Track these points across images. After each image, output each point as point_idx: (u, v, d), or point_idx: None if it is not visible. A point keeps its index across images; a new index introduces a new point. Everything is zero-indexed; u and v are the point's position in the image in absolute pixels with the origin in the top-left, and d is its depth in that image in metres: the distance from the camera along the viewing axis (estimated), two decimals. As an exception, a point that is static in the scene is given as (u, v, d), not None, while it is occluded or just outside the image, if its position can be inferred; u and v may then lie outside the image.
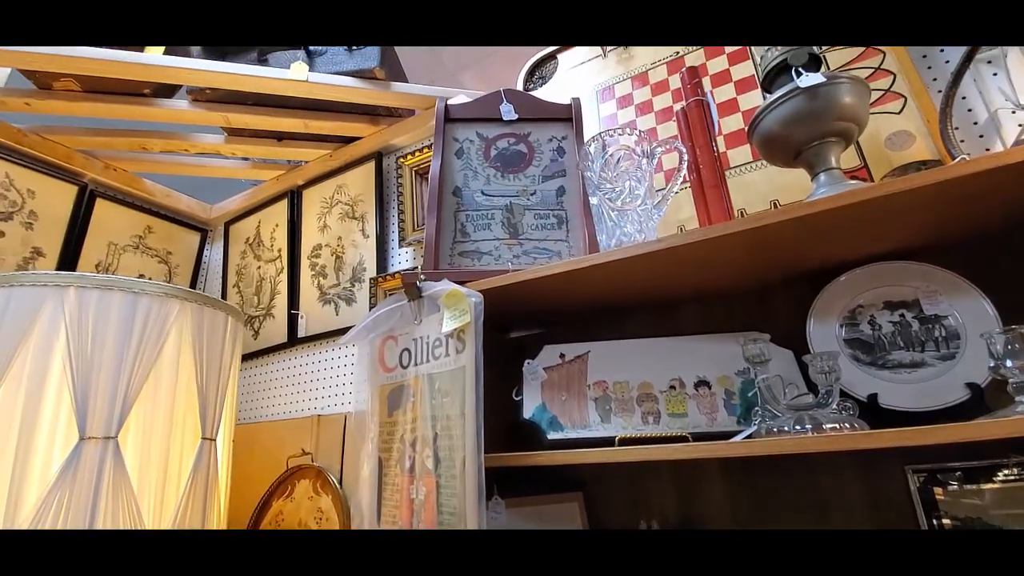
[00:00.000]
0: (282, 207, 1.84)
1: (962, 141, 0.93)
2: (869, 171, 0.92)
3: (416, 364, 0.84)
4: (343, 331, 1.57)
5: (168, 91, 1.58)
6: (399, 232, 1.54)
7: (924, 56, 1.00)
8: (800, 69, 0.78)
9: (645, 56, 1.27)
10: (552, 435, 0.85)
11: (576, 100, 1.17)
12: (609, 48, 1.35)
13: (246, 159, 1.90)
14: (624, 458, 0.73)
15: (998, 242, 0.78)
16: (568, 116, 1.16)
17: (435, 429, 0.75)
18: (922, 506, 0.78)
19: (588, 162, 0.92)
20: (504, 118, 1.16)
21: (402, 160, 1.56)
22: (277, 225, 1.85)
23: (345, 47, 1.49)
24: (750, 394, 0.81)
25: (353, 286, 1.58)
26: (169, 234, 1.94)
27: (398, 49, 1.64)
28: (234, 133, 1.74)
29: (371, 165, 1.65)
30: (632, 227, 0.84)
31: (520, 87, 1.45)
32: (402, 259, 1.54)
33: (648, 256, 0.78)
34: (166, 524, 1.02)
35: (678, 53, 1.23)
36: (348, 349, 1.55)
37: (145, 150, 1.77)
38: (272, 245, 1.85)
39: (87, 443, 0.94)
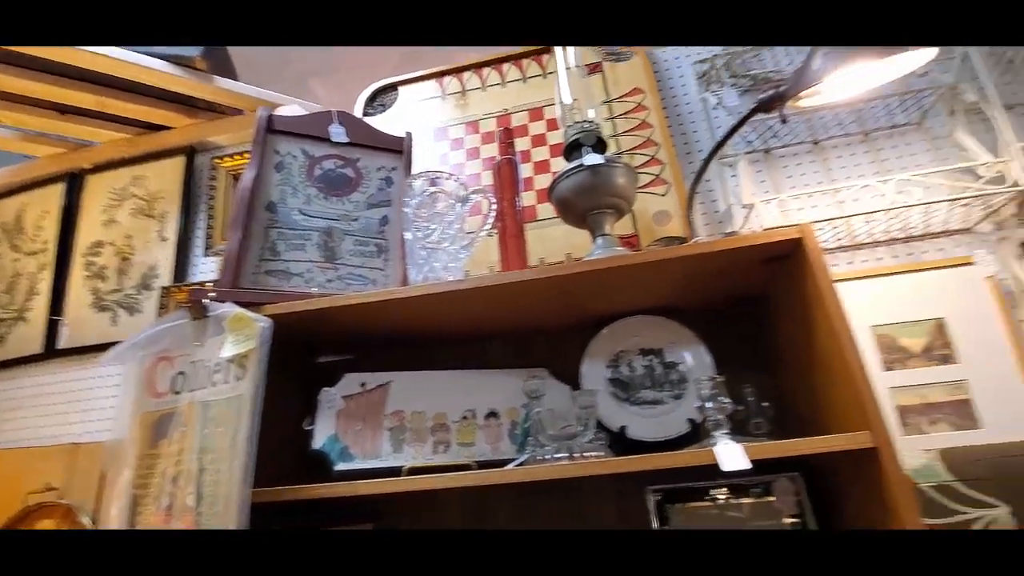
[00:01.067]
0: (56, 191, 1.55)
1: (707, 224, 1.18)
2: (639, 239, 1.11)
3: (191, 390, 0.77)
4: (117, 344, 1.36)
5: None
6: (206, 239, 1.40)
7: (688, 153, 1.26)
8: (588, 148, 0.92)
9: (478, 106, 1.38)
10: (341, 466, 0.84)
11: (409, 135, 1.21)
12: (448, 91, 1.43)
13: (18, 129, 1.56)
14: (407, 487, 0.76)
15: (720, 305, 1.00)
16: (400, 149, 1.19)
17: (202, 463, 0.69)
18: (658, 522, 0.93)
19: (407, 198, 0.95)
20: (333, 139, 1.15)
21: (219, 161, 1.44)
22: (47, 212, 1.54)
23: (161, 28, 1.33)
24: (527, 425, 0.90)
25: (140, 293, 1.38)
26: None
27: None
28: (4, 97, 1.43)
29: (180, 160, 1.49)
30: (440, 264, 0.90)
31: (360, 110, 1.45)
32: (206, 269, 1.40)
33: (450, 294, 0.84)
34: None
35: (507, 110, 1.35)
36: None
37: None
38: (37, 235, 1.53)
39: None
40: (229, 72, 1.49)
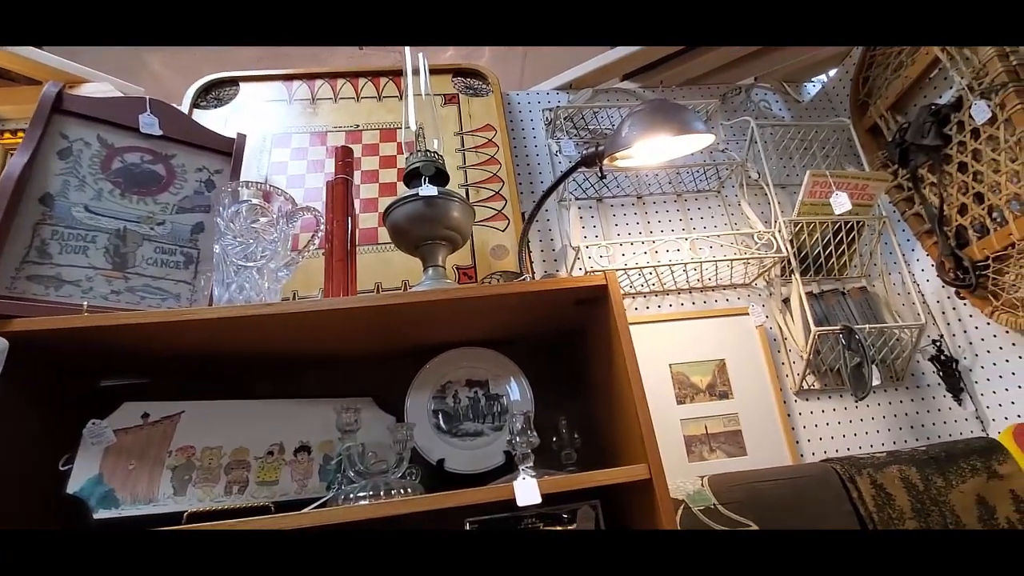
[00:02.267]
0: None
1: (544, 261, 1.25)
2: (476, 271, 1.14)
3: None
4: None
5: None
6: (-42, 228, 1.12)
7: (533, 192, 1.33)
8: (427, 178, 0.92)
9: (328, 117, 1.32)
10: (102, 513, 0.71)
11: (242, 136, 1.11)
12: (296, 97, 1.34)
13: None
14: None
15: (543, 339, 1.05)
16: (228, 150, 1.08)
17: None
18: (473, 552, 0.94)
19: (221, 207, 0.86)
20: (143, 130, 1.01)
21: (-9, 135, 1.18)
22: None
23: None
24: (339, 459, 0.85)
25: None
26: None
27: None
28: None
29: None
30: (249, 284, 0.82)
31: (188, 101, 1.30)
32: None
33: (260, 318, 0.77)
34: None
35: (358, 126, 1.31)
36: None
37: None
38: None
39: None
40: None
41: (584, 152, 0.96)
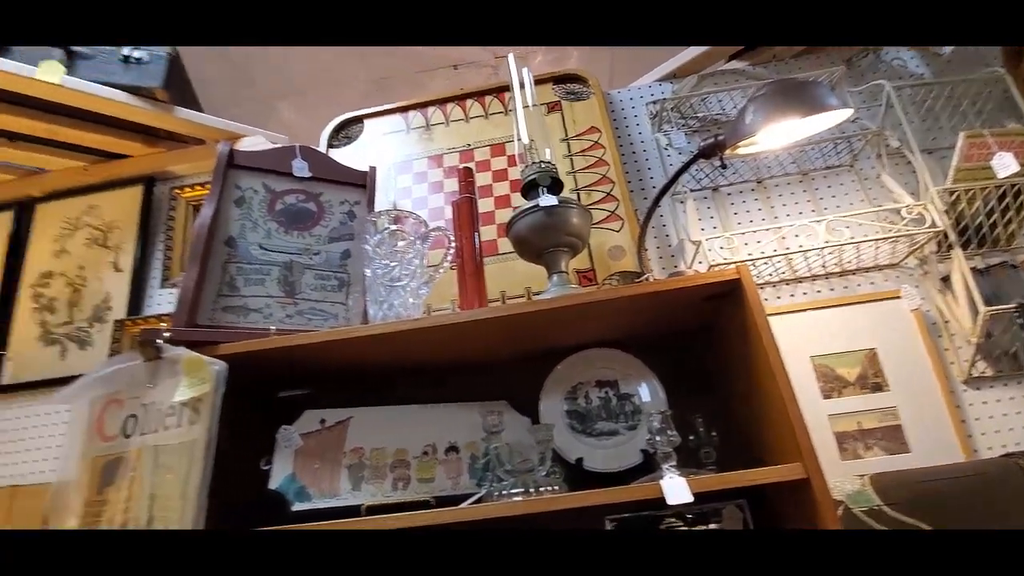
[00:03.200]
0: (4, 220, 1.50)
1: (660, 258, 1.24)
2: (595, 273, 1.16)
3: (142, 433, 0.76)
4: (69, 380, 1.31)
5: None
6: (163, 270, 1.38)
7: (643, 190, 1.32)
8: (544, 188, 0.96)
9: (442, 141, 1.41)
10: (298, 506, 0.83)
11: (373, 169, 1.23)
12: (413, 126, 1.46)
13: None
14: (365, 527, 0.76)
15: (672, 338, 1.04)
16: (363, 183, 1.21)
17: (151, 511, 0.68)
18: (615, 549, 0.96)
19: (367, 235, 0.97)
20: (296, 174, 1.16)
21: (179, 191, 1.42)
22: (-8, 241, 1.49)
23: (121, 58, 1.33)
24: (486, 459, 0.92)
25: (91, 326, 1.34)
26: None
27: (202, 65, 1.52)
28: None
29: (138, 190, 1.46)
30: (399, 302, 0.91)
31: (325, 142, 1.47)
32: (163, 301, 1.38)
33: (409, 332, 0.85)
34: None
35: (469, 145, 1.39)
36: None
37: None
38: (-20, 265, 1.47)
39: None
40: (191, 101, 1.49)
41: (702, 143, 0.94)
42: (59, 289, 1.40)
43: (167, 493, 0.69)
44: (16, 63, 1.20)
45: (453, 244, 0.98)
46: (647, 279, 1.01)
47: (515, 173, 1.33)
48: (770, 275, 1.15)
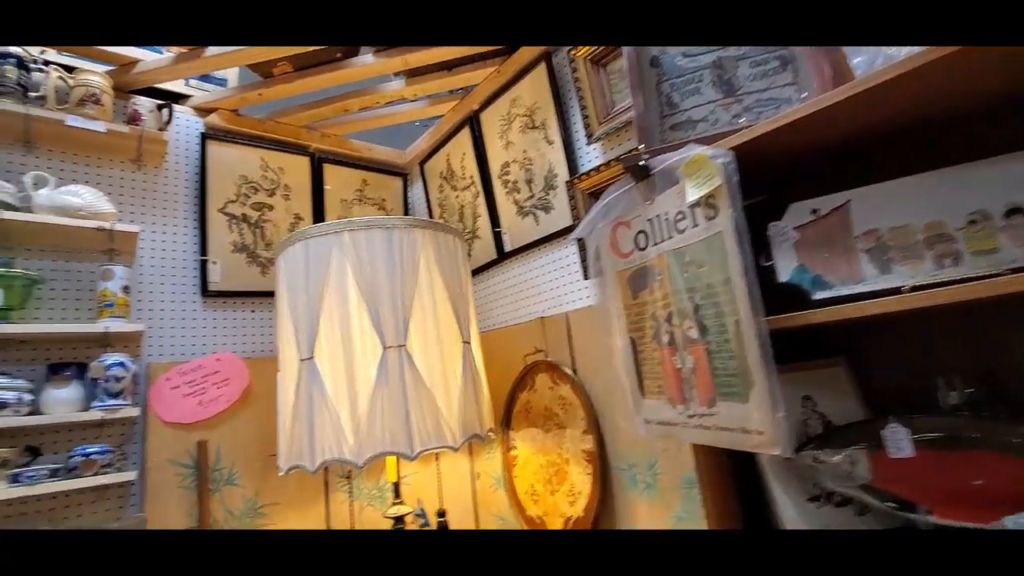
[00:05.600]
0: (465, 136, 1.94)
1: None
2: None
3: (656, 244, 0.84)
4: (546, 239, 1.65)
5: (354, 50, 1.73)
6: (585, 130, 1.51)
7: None
8: None
9: None
10: (819, 294, 0.79)
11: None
12: None
13: (427, 96, 2.01)
14: (929, 302, 0.66)
15: None
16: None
17: (694, 300, 0.76)
18: None
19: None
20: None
21: (573, 53, 1.50)
22: (464, 154, 1.96)
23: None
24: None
25: (547, 194, 1.62)
26: (379, 183, 2.21)
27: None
28: (412, 75, 1.85)
29: (541, 69, 1.62)
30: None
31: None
32: (592, 156, 1.53)
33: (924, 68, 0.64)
34: (454, 411, 1.24)
35: None
36: (554, 254, 1.63)
37: (346, 111, 2.01)
38: (464, 173, 1.98)
39: (389, 351, 1.18)
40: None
41: None
42: (516, 173, 1.75)
43: (706, 283, 0.74)
44: None
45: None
46: None
47: None
48: None
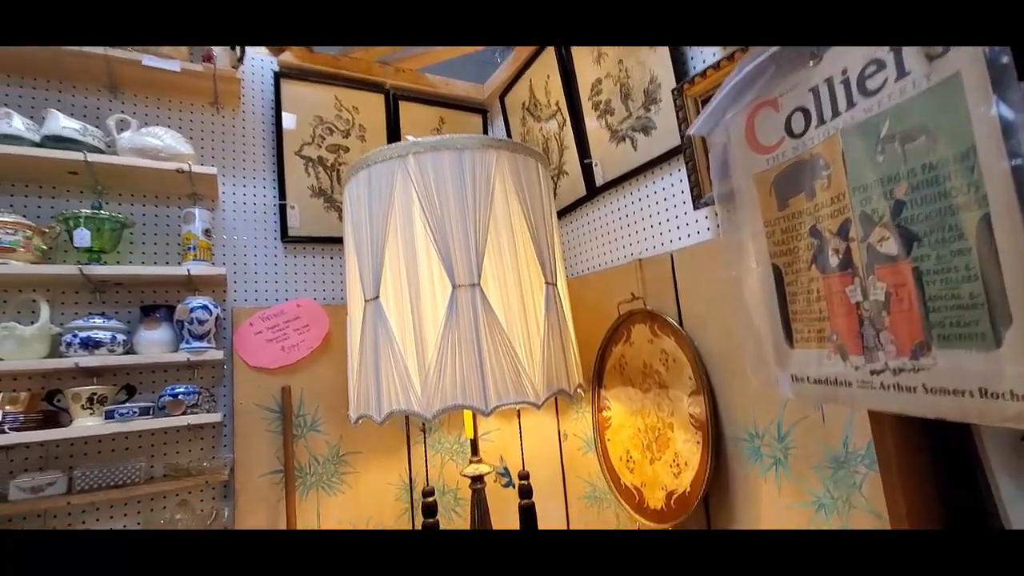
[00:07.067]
0: (549, 56, 1.69)
1: None
2: None
3: (825, 121, 0.57)
4: (645, 167, 1.38)
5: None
6: (698, 20, 1.21)
7: None
8: None
9: None
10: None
11: None
12: None
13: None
14: None
15: None
16: None
17: (895, 196, 0.49)
18: None
19: None
20: None
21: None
22: (548, 77, 1.72)
23: None
24: None
25: (648, 110, 1.35)
26: (457, 121, 2.04)
27: None
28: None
29: (642, -47, 1.32)
30: None
31: None
32: (706, 54, 1.22)
33: None
34: (536, 362, 1.06)
35: None
36: (655, 184, 1.36)
37: (420, 39, 1.83)
38: (548, 100, 1.74)
39: (459, 290, 1.02)
40: None
41: None
42: (609, 90, 1.48)
43: (923, 163, 0.47)
44: None
45: None
46: None
47: None
48: None
